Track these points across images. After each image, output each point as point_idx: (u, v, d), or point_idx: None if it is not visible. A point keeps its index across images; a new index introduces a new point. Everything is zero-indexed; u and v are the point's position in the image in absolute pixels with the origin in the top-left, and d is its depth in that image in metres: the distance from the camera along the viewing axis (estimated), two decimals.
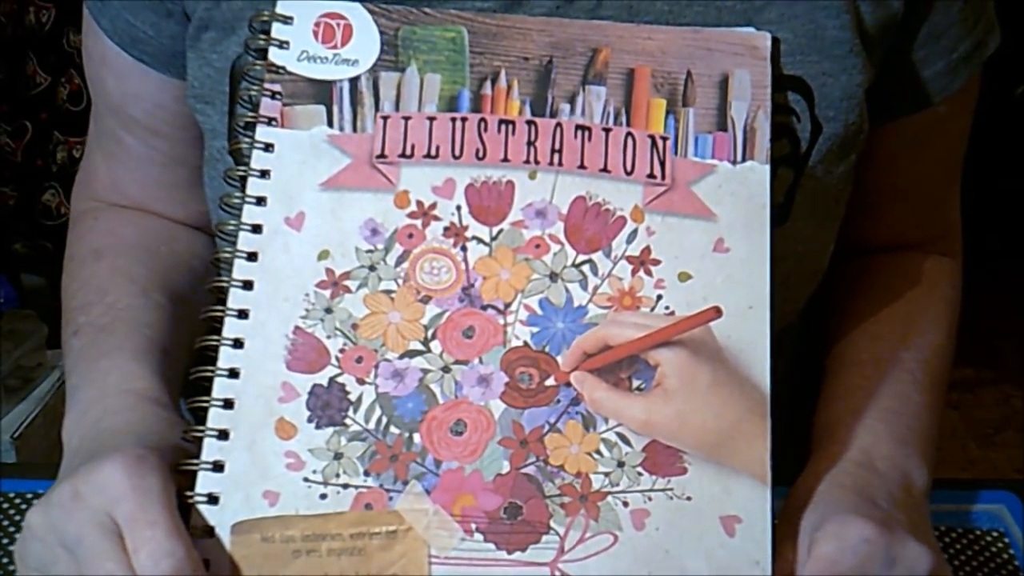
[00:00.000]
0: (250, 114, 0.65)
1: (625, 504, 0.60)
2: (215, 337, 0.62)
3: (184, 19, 0.73)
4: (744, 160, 0.65)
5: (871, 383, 0.71)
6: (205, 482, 0.59)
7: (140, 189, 0.81)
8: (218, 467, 0.60)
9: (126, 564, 0.55)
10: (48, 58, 2.21)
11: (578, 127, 0.65)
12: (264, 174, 0.64)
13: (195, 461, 0.60)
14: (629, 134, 0.65)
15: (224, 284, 0.62)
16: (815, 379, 0.75)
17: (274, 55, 0.65)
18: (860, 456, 0.66)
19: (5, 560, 0.76)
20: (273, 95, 0.65)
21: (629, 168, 0.65)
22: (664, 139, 0.65)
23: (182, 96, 0.74)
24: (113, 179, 0.82)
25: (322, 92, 0.65)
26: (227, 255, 0.63)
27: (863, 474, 0.64)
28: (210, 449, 0.60)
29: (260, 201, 0.63)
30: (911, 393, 0.71)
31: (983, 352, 2.51)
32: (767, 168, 0.65)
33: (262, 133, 0.64)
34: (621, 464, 0.61)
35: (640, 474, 0.61)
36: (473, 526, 0.60)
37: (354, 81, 0.65)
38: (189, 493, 0.59)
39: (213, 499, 0.59)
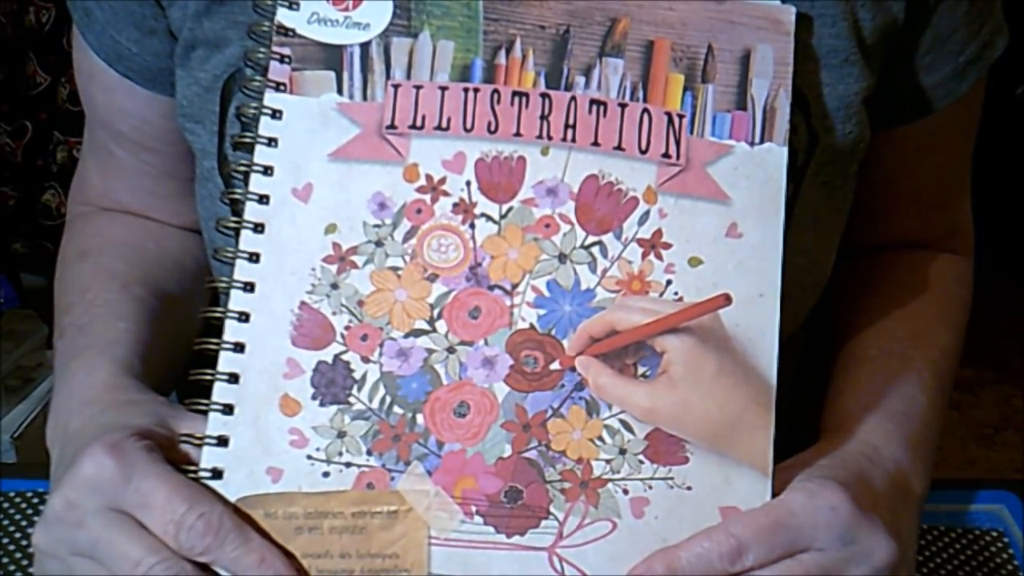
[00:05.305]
0: (259, 78, 0.63)
1: (625, 492, 0.61)
2: (220, 309, 0.61)
3: (169, 37, 0.72)
4: (762, 141, 0.63)
5: (880, 381, 0.71)
6: (210, 457, 0.60)
7: (132, 197, 0.81)
8: (223, 441, 0.60)
9: (151, 542, 0.56)
10: (48, 58, 2.19)
11: (593, 102, 0.63)
12: (272, 142, 0.63)
13: (200, 435, 0.60)
14: (645, 110, 0.63)
15: (231, 255, 0.62)
16: (821, 387, 0.74)
17: (283, 16, 0.64)
18: (867, 450, 0.65)
19: (5, 560, 0.77)
20: (282, 59, 0.63)
21: (644, 147, 0.63)
22: (681, 117, 0.64)
23: (170, 113, 0.74)
24: (106, 187, 0.82)
25: (332, 57, 0.63)
26: (234, 225, 0.62)
27: (866, 464, 0.64)
28: (215, 423, 0.60)
29: (267, 171, 0.62)
30: (918, 395, 0.70)
31: (983, 352, 2.48)
32: (785, 151, 0.63)
33: (270, 99, 0.63)
34: (623, 451, 0.61)
35: (641, 462, 0.61)
36: (473, 509, 0.60)
37: (365, 46, 0.63)
38: (193, 468, 0.60)
39: (217, 474, 0.60)
